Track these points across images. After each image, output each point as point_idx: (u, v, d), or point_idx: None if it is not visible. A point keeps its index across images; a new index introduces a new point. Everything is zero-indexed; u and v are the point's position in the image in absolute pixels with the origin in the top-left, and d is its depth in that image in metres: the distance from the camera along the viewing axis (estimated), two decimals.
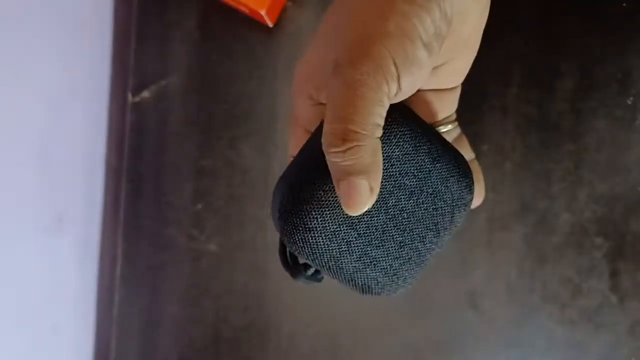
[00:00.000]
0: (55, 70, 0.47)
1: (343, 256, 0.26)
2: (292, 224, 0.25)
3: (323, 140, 0.24)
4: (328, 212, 0.25)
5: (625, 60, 0.43)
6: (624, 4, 0.43)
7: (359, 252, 0.26)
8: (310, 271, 0.28)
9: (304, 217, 0.25)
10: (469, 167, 0.28)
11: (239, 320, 0.48)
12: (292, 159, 0.29)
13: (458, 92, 0.30)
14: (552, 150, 0.44)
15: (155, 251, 0.49)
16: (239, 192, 0.47)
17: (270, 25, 0.46)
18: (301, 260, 0.28)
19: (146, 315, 0.49)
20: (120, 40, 0.52)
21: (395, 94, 0.24)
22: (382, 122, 0.24)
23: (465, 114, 0.44)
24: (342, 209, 0.25)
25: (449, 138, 0.30)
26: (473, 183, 0.28)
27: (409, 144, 0.26)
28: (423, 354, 0.46)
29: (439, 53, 0.25)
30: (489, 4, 0.27)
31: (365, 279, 0.27)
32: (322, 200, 0.25)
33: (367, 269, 0.26)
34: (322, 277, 0.29)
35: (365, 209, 0.24)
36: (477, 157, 0.44)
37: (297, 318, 0.47)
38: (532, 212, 0.44)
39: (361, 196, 0.24)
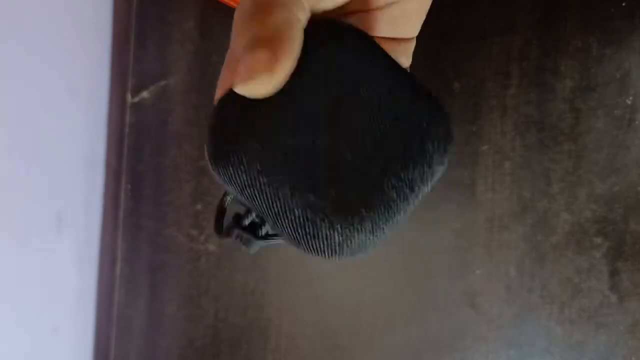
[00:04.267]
0: (54, 71, 0.47)
1: (280, 172, 0.20)
2: (218, 139, 0.21)
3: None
4: (259, 113, 0.20)
5: (625, 60, 0.43)
6: (623, 4, 0.43)
7: (299, 169, 0.20)
8: (246, 221, 0.23)
9: (233, 113, 0.21)
10: (437, 97, 0.24)
11: (239, 320, 0.48)
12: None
13: (412, 45, 0.28)
14: (552, 150, 0.44)
15: (155, 251, 0.49)
16: None
17: None
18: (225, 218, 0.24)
19: (146, 316, 0.49)
20: (119, 40, 0.52)
21: (308, 15, 0.22)
22: (301, 21, 0.21)
23: (465, 114, 0.45)
24: (278, 112, 0.20)
25: None
26: (446, 113, 0.23)
27: (361, 51, 0.22)
28: (422, 354, 0.46)
29: None
30: None
31: (307, 209, 0.20)
32: (249, 101, 0.20)
33: (310, 194, 0.20)
34: (265, 234, 0.24)
35: (259, 88, 0.20)
36: (477, 157, 0.45)
37: (296, 318, 0.47)
38: (532, 212, 0.44)
39: (250, 68, 0.19)
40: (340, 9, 0.26)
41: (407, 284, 0.46)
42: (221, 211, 0.24)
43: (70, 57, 0.48)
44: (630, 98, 0.43)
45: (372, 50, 0.23)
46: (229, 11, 0.47)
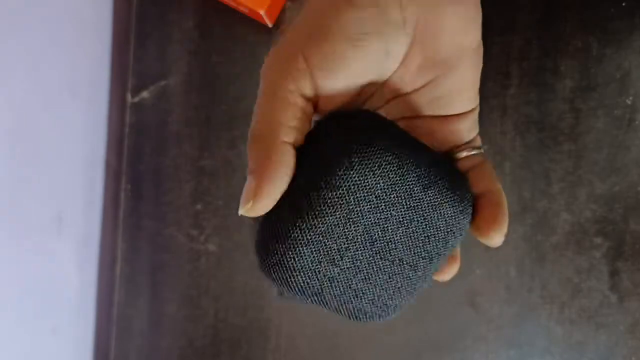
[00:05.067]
0: (54, 71, 0.47)
1: (325, 291, 0.24)
2: (269, 263, 0.24)
3: None
4: (306, 250, 0.23)
5: (625, 60, 0.43)
6: (623, 4, 0.43)
7: (342, 286, 0.24)
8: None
9: (281, 256, 0.23)
10: (468, 190, 0.26)
11: (239, 320, 0.48)
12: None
13: (472, 117, 0.27)
14: (552, 150, 0.44)
15: (155, 251, 0.49)
16: (238, 192, 0.47)
17: (270, 25, 0.46)
18: None
19: (146, 316, 0.49)
20: (119, 40, 0.52)
21: (315, 92, 0.24)
22: (289, 123, 0.23)
23: None
24: (321, 245, 0.23)
25: (467, 164, 0.27)
26: (471, 205, 0.26)
27: (394, 173, 0.24)
28: (422, 354, 0.46)
29: (390, 57, 0.24)
30: (474, 27, 0.25)
31: (352, 311, 0.25)
32: (299, 238, 0.23)
33: (352, 302, 0.25)
34: None
35: (252, 211, 0.23)
36: None
37: (296, 318, 0.47)
38: (532, 212, 0.44)
39: (244, 195, 0.23)
40: (376, 96, 0.26)
41: None
42: None
43: (70, 57, 0.48)
44: (630, 98, 0.43)
45: (402, 159, 0.24)
46: (229, 11, 0.47)
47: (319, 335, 0.47)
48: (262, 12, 0.44)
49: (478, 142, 0.28)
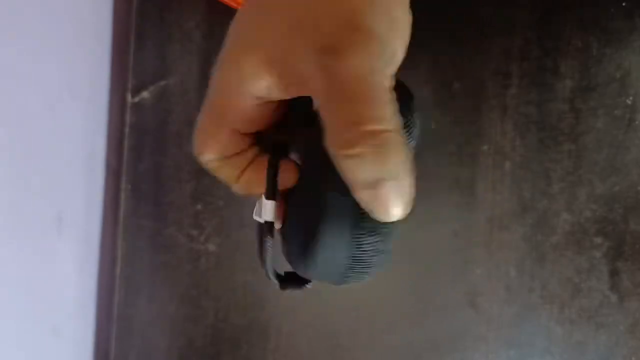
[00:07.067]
0: (55, 71, 0.47)
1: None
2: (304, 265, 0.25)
3: (334, 147, 0.20)
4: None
5: (625, 60, 0.43)
6: (623, 4, 0.43)
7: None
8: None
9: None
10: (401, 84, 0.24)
11: (239, 320, 0.48)
12: (211, 163, 0.25)
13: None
14: (552, 150, 0.44)
15: (155, 251, 0.49)
16: None
17: None
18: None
19: (146, 315, 0.49)
20: (119, 40, 0.52)
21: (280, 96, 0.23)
22: (239, 124, 0.23)
23: (465, 114, 0.45)
24: (339, 221, 0.23)
25: None
26: (406, 91, 0.24)
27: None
28: (422, 354, 0.46)
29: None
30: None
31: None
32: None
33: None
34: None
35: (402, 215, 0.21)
36: (477, 157, 0.45)
37: (296, 318, 0.47)
38: (532, 212, 0.44)
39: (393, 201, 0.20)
40: None
41: (408, 284, 0.46)
42: (264, 259, 0.27)
43: (70, 57, 0.48)
44: (630, 98, 0.43)
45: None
46: (229, 11, 0.47)
47: (319, 335, 0.47)
48: None
49: None
